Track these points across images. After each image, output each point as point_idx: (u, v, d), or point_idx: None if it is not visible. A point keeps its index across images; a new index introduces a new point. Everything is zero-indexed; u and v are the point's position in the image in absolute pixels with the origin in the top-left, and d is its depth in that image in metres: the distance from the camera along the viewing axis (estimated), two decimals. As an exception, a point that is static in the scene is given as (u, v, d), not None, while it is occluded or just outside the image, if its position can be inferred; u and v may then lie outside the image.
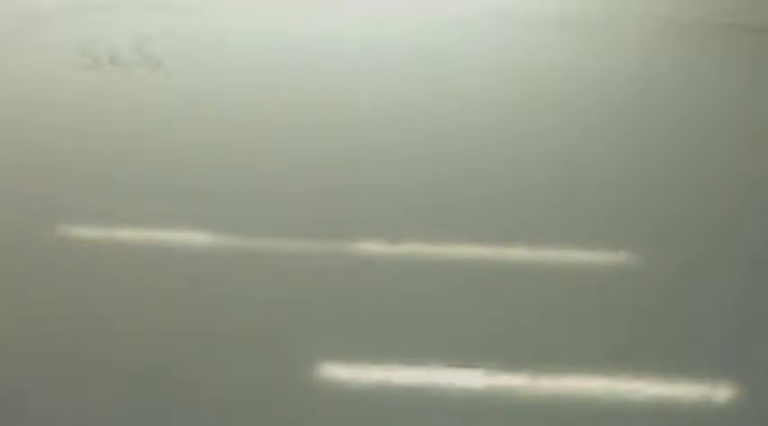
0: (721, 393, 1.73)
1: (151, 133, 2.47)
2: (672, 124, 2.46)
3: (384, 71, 2.72)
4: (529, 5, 3.04)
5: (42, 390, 1.75)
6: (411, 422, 1.69)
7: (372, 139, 2.42)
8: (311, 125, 2.47)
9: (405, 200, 2.20)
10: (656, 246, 2.05)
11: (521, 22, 2.94)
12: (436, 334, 1.85)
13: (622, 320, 1.88)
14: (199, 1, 3.10)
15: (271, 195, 2.23)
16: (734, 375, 1.75)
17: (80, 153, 2.39)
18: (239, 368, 1.79)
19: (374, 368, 1.79)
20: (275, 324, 1.89)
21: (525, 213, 2.15)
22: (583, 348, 1.82)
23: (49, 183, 2.28)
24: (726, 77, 2.65)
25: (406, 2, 3.09)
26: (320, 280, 1.98)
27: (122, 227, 2.14)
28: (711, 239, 2.06)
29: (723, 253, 2.03)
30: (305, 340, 1.85)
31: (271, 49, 2.84)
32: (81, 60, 2.78)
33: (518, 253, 2.06)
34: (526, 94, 2.59)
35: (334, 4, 3.09)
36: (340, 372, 1.81)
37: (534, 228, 2.11)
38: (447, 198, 2.21)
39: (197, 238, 2.11)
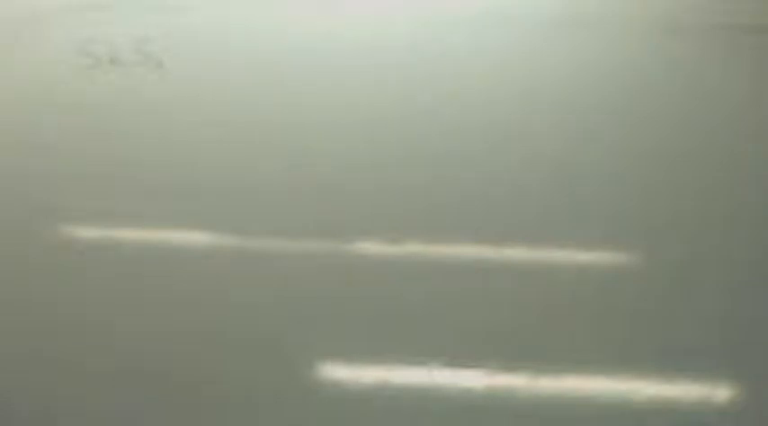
0: (721, 393, 1.73)
1: (151, 133, 2.46)
2: (672, 124, 2.46)
3: (384, 71, 2.71)
4: (529, 5, 3.04)
5: (42, 390, 1.75)
6: (411, 422, 1.69)
7: (373, 139, 2.42)
8: (311, 125, 2.47)
9: (405, 200, 2.20)
10: (656, 246, 2.05)
11: (521, 22, 2.94)
12: (436, 334, 1.85)
13: (622, 320, 1.88)
14: (199, 1, 3.10)
15: (271, 195, 2.23)
16: (734, 375, 1.75)
17: (80, 153, 2.39)
18: (239, 368, 1.79)
19: (374, 368, 1.79)
20: (275, 324, 1.89)
21: (525, 213, 2.15)
22: (583, 348, 1.82)
23: (49, 183, 2.28)
24: (726, 78, 2.64)
25: (406, 2, 3.09)
26: (320, 280, 1.98)
27: (122, 227, 2.14)
28: (711, 239, 2.06)
29: (723, 253, 2.03)
30: (305, 340, 1.85)
31: (271, 49, 2.84)
32: (81, 60, 2.78)
33: (518, 253, 2.06)
34: (526, 94, 2.59)
35: (334, 4, 3.09)
36: (340, 372, 1.81)
37: (534, 228, 2.11)
38: (447, 198, 2.20)
39: (197, 238, 2.11)
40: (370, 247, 2.07)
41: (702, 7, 2.97)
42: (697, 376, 1.75)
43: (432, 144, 2.39)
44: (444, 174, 2.28)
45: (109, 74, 2.73)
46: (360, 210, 2.17)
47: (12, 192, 2.27)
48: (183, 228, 2.14)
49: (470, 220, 2.14)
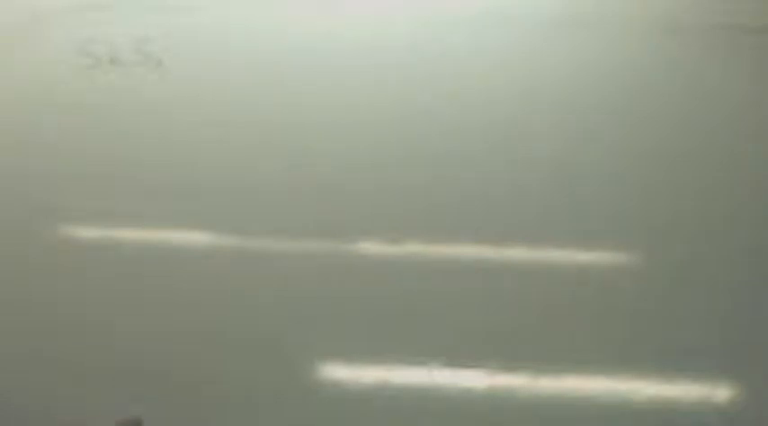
0: (721, 393, 1.73)
1: (151, 133, 2.47)
2: (672, 124, 2.46)
3: (384, 71, 2.71)
4: (529, 5, 3.04)
5: (42, 390, 1.76)
6: (411, 422, 1.69)
7: (372, 139, 2.42)
8: (311, 125, 2.47)
9: (405, 200, 2.20)
10: (656, 246, 2.05)
11: (521, 22, 2.94)
12: (436, 334, 1.85)
13: (622, 320, 1.88)
14: (199, 1, 3.10)
15: (271, 195, 2.23)
16: (734, 375, 1.76)
17: (80, 153, 2.39)
18: (239, 368, 1.79)
19: (374, 368, 1.79)
20: (275, 324, 1.89)
21: (525, 213, 2.15)
22: (583, 348, 1.82)
23: (49, 183, 2.28)
24: (726, 78, 2.64)
25: (406, 2, 3.09)
26: (320, 280, 1.98)
27: (122, 227, 2.14)
28: (711, 239, 2.07)
29: (723, 253, 2.03)
30: (305, 340, 1.85)
31: (271, 49, 2.84)
32: (81, 60, 2.78)
33: (518, 253, 2.06)
34: (526, 94, 2.59)
35: (335, 4, 3.09)
36: (340, 372, 1.81)
37: (534, 228, 2.11)
38: (447, 198, 2.21)
39: (197, 238, 2.11)
40: (370, 247, 2.07)
41: (702, 7, 2.97)
42: (697, 376, 1.75)
43: (432, 144, 2.39)
44: (444, 174, 2.28)
45: (109, 74, 2.73)
46: (360, 210, 2.17)
47: (12, 192, 2.27)
48: (183, 228, 2.14)
49: (470, 220, 2.14)
